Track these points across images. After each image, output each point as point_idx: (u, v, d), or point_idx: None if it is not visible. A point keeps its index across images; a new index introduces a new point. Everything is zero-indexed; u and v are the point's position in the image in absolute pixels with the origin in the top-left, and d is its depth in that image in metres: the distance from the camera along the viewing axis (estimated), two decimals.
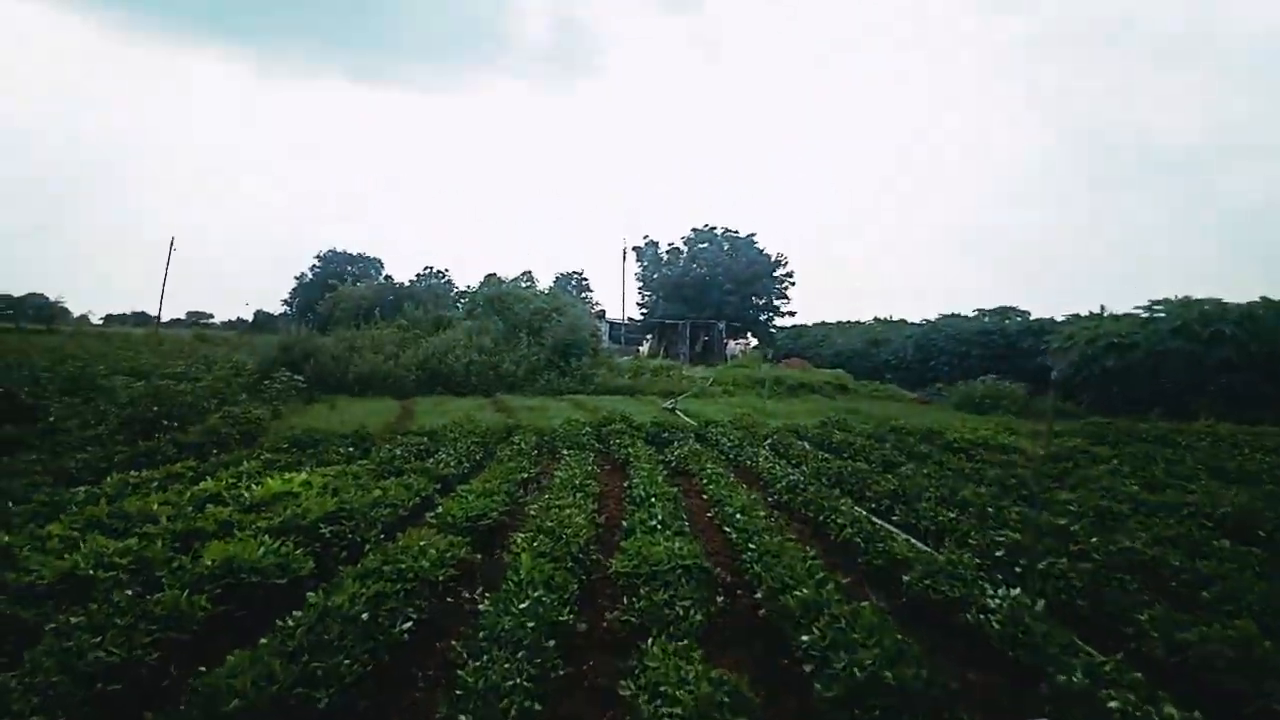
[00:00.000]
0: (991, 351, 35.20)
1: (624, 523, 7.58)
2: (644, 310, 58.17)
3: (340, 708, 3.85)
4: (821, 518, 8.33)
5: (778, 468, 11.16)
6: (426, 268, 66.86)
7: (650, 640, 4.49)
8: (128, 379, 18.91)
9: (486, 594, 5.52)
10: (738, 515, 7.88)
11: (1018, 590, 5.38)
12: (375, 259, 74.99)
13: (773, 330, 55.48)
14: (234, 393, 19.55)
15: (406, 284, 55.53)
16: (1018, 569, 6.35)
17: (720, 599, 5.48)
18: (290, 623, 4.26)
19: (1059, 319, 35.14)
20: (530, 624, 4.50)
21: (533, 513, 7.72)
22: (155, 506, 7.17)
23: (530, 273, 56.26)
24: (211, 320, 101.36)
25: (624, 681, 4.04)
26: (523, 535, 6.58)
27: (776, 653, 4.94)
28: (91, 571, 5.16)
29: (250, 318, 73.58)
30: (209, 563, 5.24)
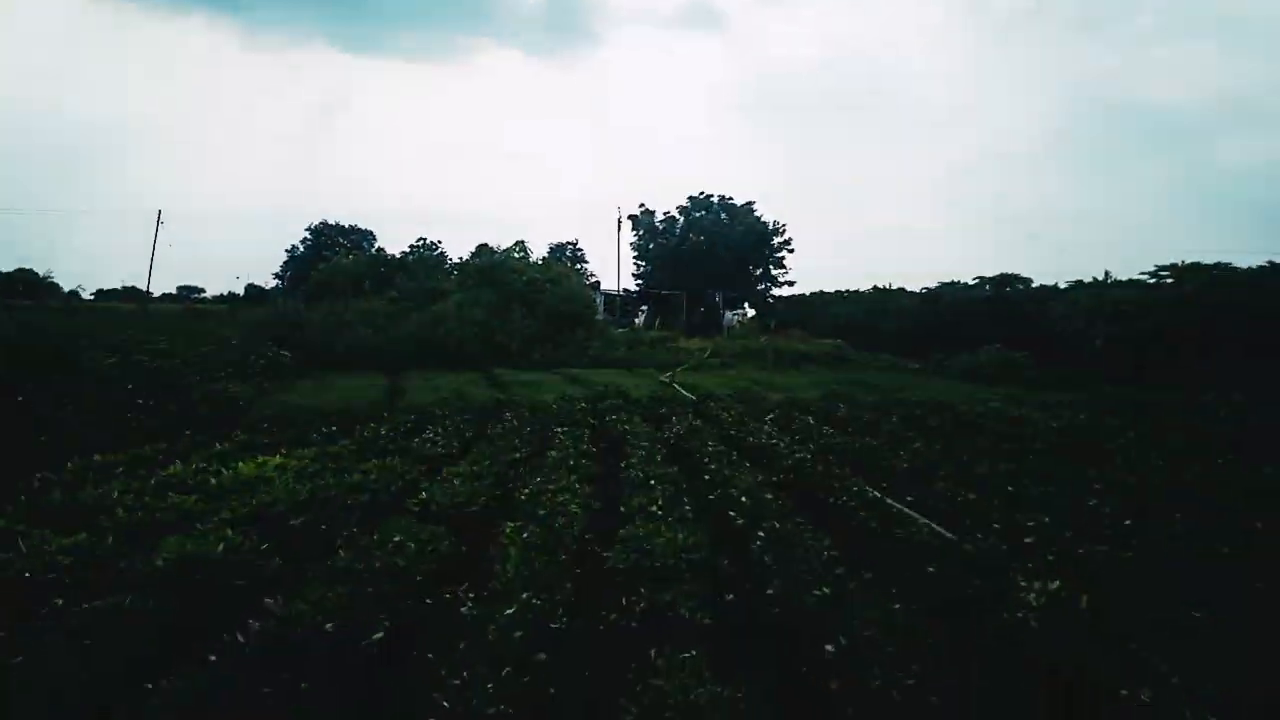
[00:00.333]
0: (994, 320, 34.66)
1: (622, 508, 7.05)
2: (640, 281, 57.34)
3: None
4: (832, 499, 7.80)
5: (781, 444, 10.64)
6: (420, 239, 65.63)
7: (653, 652, 3.98)
8: (107, 355, 18.31)
9: (471, 593, 5.01)
10: (742, 498, 7.35)
11: (1057, 584, 4.86)
12: (367, 230, 73.86)
13: (770, 300, 54.80)
14: (217, 369, 19.00)
15: (399, 256, 54.67)
16: (1050, 557, 5.84)
17: (729, 596, 4.96)
18: (241, 638, 3.72)
19: (1062, 286, 34.68)
20: (518, 633, 3.98)
21: (524, 498, 7.19)
22: (115, 494, 6.62)
23: (523, 242, 54.93)
24: (203, 294, 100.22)
25: (624, 703, 3.52)
26: (512, 524, 6.05)
27: (794, 660, 4.43)
28: (27, 574, 4.62)
29: (242, 291, 72.68)
30: (160, 563, 4.70)
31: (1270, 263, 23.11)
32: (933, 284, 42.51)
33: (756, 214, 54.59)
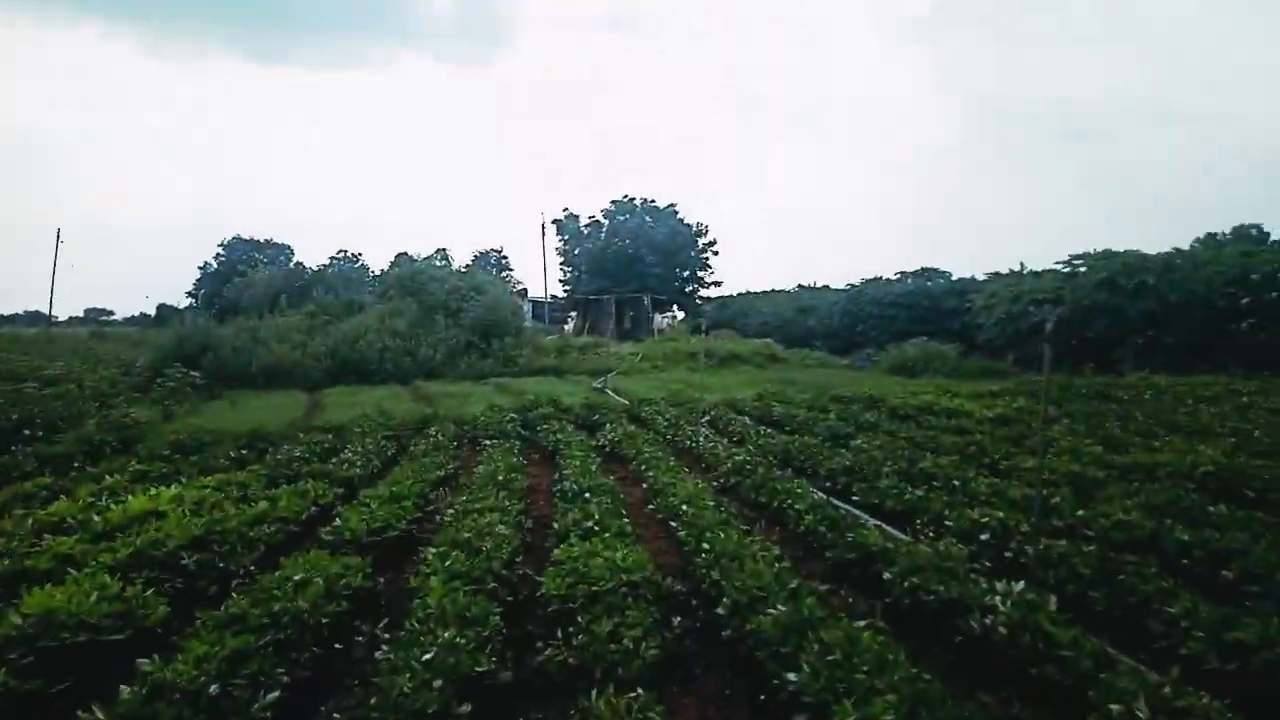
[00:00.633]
0: (917, 314, 35.22)
1: (555, 523, 6.56)
2: (567, 287, 56.66)
3: None
4: (776, 503, 7.46)
5: (720, 447, 10.29)
6: (339, 251, 63.81)
7: (594, 691, 3.52)
8: (2, 384, 16.92)
9: (388, 633, 4.47)
10: (683, 506, 6.95)
11: (1022, 584, 4.57)
12: (284, 245, 71.31)
13: (699, 301, 54.80)
14: (119, 394, 17.77)
15: (317, 269, 52.90)
16: (1007, 554, 5.59)
17: (676, 620, 4.52)
18: (100, 715, 3.11)
19: (980, 278, 35.36)
20: (437, 681, 3.47)
21: (448, 519, 6.63)
22: None
23: (445, 250, 53.99)
24: (112, 317, 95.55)
25: None
26: (435, 550, 5.51)
27: (752, 689, 4.02)
28: None
29: (153, 312, 69.37)
30: (18, 621, 4.03)
31: (1176, 248, 23.90)
32: (856, 281, 43.04)
33: (679, 216, 54.54)
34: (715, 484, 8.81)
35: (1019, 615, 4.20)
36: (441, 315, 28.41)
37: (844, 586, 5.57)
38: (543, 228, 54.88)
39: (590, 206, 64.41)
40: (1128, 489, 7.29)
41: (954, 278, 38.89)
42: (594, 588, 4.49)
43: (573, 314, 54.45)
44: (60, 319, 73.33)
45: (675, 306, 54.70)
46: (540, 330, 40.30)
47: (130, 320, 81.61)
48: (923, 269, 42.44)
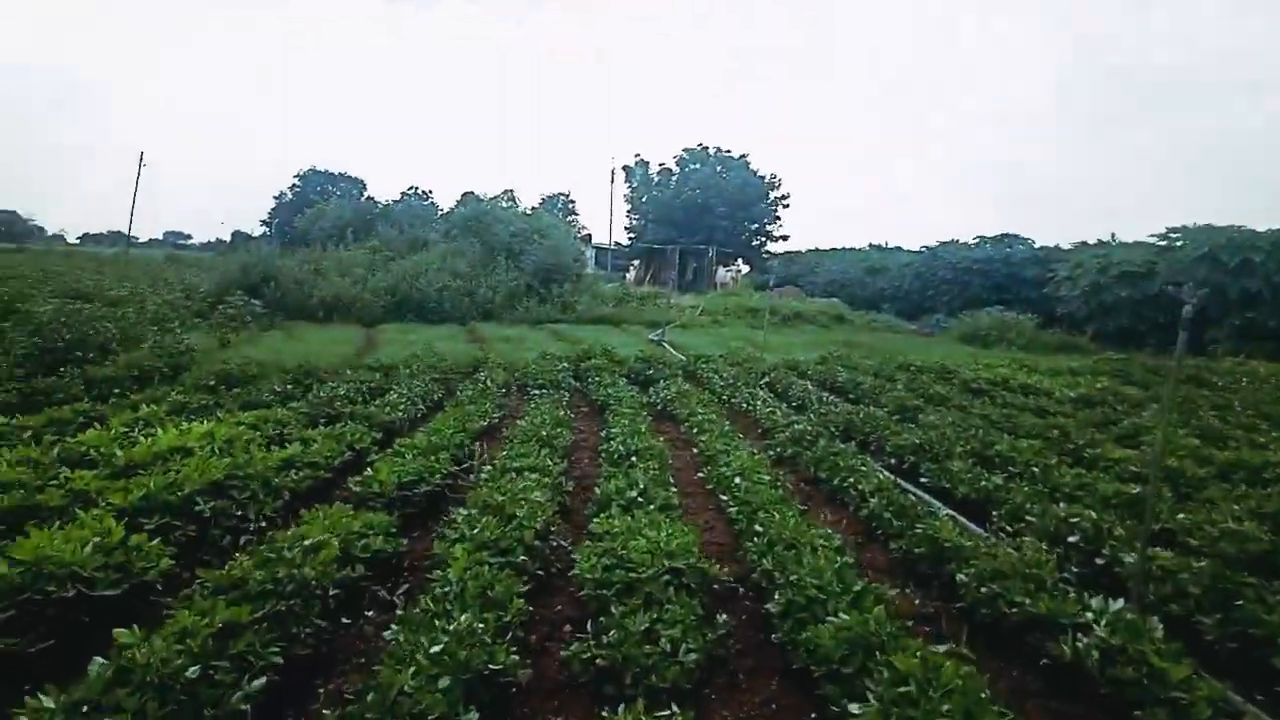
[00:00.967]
0: (994, 282, 33.58)
1: (597, 489, 6.10)
2: (632, 234, 55.84)
3: None
4: (837, 480, 6.87)
5: (778, 413, 9.70)
6: (411, 188, 63.88)
7: (621, 706, 3.05)
8: (64, 301, 17.12)
9: (400, 609, 4.07)
10: (736, 479, 6.42)
11: (1121, 602, 3.94)
12: (358, 179, 72.14)
13: (765, 256, 53.51)
14: (179, 319, 17.88)
15: (386, 204, 53.07)
16: (1098, 561, 4.93)
17: (721, 618, 4.01)
18: (49, 702, 2.73)
19: (1065, 247, 33.57)
20: (444, 680, 3.03)
21: (485, 475, 6.22)
22: (4, 468, 5.60)
23: (511, 191, 53.44)
24: (189, 241, 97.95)
25: None
26: (465, 513, 5.09)
27: (804, 707, 3.51)
28: None
29: (229, 238, 70.99)
30: (3, 569, 3.72)
31: None
32: (931, 243, 41.32)
33: (752, 167, 53.01)
34: (771, 454, 8.25)
35: (1119, 642, 3.60)
36: (503, 257, 28.12)
37: (911, 584, 5.00)
38: (611, 173, 54.12)
39: (662, 154, 63.09)
40: (1232, 492, 6.50)
41: (1036, 245, 37.00)
42: (632, 574, 4.00)
43: (635, 262, 53.74)
44: (141, 240, 75.67)
45: (740, 260, 53.51)
46: (601, 277, 39.81)
47: (206, 246, 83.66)
48: (1003, 235, 40.45)
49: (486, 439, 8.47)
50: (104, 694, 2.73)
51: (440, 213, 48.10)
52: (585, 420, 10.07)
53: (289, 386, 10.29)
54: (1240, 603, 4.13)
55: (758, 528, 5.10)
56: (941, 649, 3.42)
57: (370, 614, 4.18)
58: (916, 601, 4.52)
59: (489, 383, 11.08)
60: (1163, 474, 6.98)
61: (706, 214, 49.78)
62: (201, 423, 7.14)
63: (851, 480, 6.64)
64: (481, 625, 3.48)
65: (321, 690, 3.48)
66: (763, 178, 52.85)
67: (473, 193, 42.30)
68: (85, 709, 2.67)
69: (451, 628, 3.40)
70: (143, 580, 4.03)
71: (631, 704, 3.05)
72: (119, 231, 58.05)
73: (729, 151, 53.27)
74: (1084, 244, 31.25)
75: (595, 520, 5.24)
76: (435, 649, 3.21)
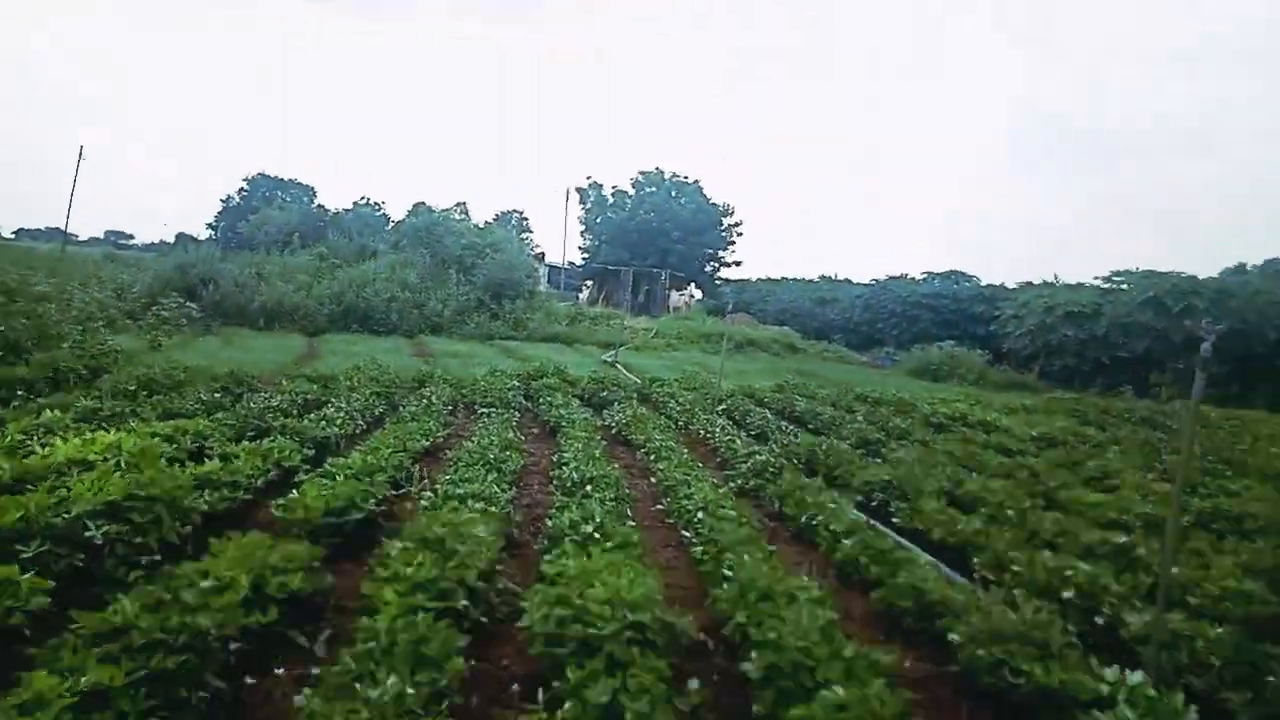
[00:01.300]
0: (942, 316, 33.97)
1: (550, 521, 5.56)
2: (585, 255, 55.43)
3: None
4: (804, 518, 6.44)
5: (738, 442, 9.25)
6: (362, 197, 62.48)
7: None
8: None
9: (315, 667, 3.49)
10: (700, 513, 5.95)
11: (1139, 675, 3.55)
12: (308, 185, 70.32)
13: (717, 282, 53.50)
14: (106, 319, 16.87)
15: (339, 212, 51.74)
16: (1097, 619, 4.55)
17: (694, 686, 3.50)
18: None
19: (1010, 286, 34.07)
20: None
21: (425, 503, 5.65)
22: None
23: (464, 204, 52.61)
24: (132, 241, 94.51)
25: None
26: (400, 546, 4.51)
27: None
28: None
29: (173, 240, 68.70)
30: None
31: (1235, 268, 22.66)
32: (880, 276, 41.68)
33: (706, 193, 53.11)
34: (733, 485, 7.81)
35: None
36: (454, 270, 27.40)
37: (895, 639, 4.56)
38: (566, 193, 53.69)
39: (616, 177, 62.86)
40: (1220, 543, 6.23)
41: (982, 283, 37.54)
42: (590, 629, 3.48)
43: (588, 282, 53.26)
44: (81, 238, 72.83)
45: (693, 285, 53.40)
46: (554, 296, 39.24)
47: (150, 246, 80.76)
48: (950, 271, 41.02)
49: (429, 460, 7.88)
50: None
51: (391, 223, 47.09)
52: (536, 442, 9.52)
53: (217, 395, 9.54)
54: (1270, 678, 3.77)
55: (727, 571, 4.62)
56: None
57: (282, 672, 3.58)
58: (907, 664, 4.06)
59: (434, 399, 10.45)
60: (1140, 520, 6.72)
61: (660, 237, 49.64)
62: (109, 432, 6.42)
63: (821, 519, 6.22)
64: (412, 691, 2.93)
65: None
66: (716, 205, 52.98)
67: (424, 203, 41.36)
68: None
69: (376, 694, 2.85)
70: (5, 625, 3.38)
71: None
72: (57, 228, 55.51)
73: (684, 177, 53.34)
74: (1029, 284, 31.74)
75: (547, 559, 4.70)
76: None
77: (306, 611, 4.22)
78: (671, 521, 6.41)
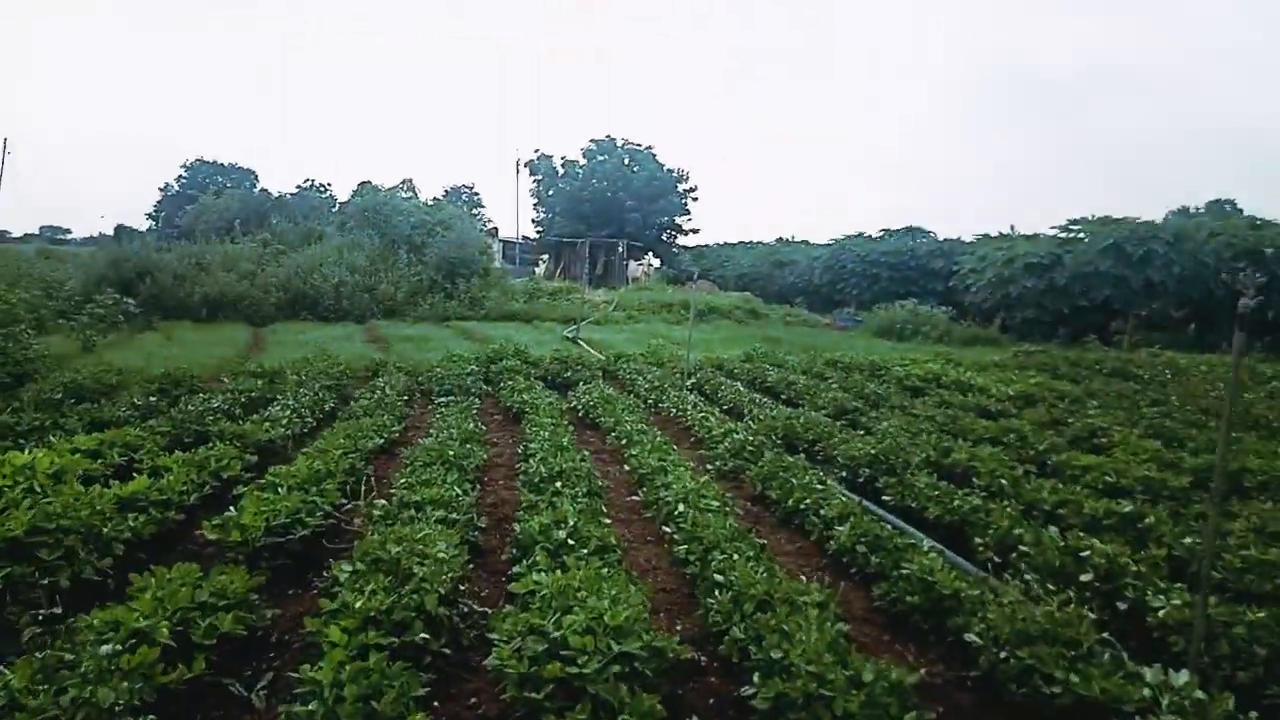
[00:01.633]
0: (902, 274, 33.72)
1: (518, 527, 5.07)
2: (540, 229, 54.39)
3: None
4: (791, 502, 6.03)
5: (712, 419, 8.82)
6: (306, 180, 60.52)
7: None
8: None
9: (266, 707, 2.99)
10: (680, 505, 5.51)
11: (1184, 676, 3.18)
12: (249, 170, 68.12)
13: (675, 250, 52.91)
14: (36, 321, 15.85)
15: (282, 196, 50.11)
16: (1120, 605, 4.20)
17: None
18: None
19: (967, 240, 33.99)
20: None
21: (378, 513, 5.12)
22: None
23: (410, 181, 51.33)
24: (69, 236, 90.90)
25: None
26: (349, 570, 3.99)
27: None
28: None
29: (112, 232, 66.22)
30: None
31: (1195, 209, 22.71)
32: (835, 236, 41.38)
33: (659, 160, 52.25)
34: (710, 467, 7.39)
35: None
36: (404, 250, 26.48)
37: (901, 639, 4.18)
38: (517, 165, 52.55)
39: (568, 148, 61.66)
40: (1225, 507, 5.94)
41: (940, 238, 37.41)
42: (570, 667, 3.01)
43: (545, 257, 52.37)
44: (13, 235, 69.81)
45: (650, 254, 52.73)
46: (510, 272, 38.40)
47: (88, 240, 77.69)
48: (908, 228, 40.85)
49: (384, 460, 7.34)
50: None
51: (338, 206, 45.73)
52: (499, 431, 9.01)
53: (152, 399, 8.86)
54: None
55: (717, 576, 4.17)
56: None
57: None
58: (923, 673, 3.66)
59: (388, 390, 9.85)
60: (1141, 483, 6.41)
61: (615, 207, 48.76)
62: (22, 451, 5.76)
63: (810, 503, 5.81)
64: None
65: None
66: (671, 171, 52.20)
67: (369, 182, 40.04)
68: None
69: None
70: None
71: None
72: None
73: (637, 144, 52.39)
74: (986, 236, 31.63)
75: (517, 572, 4.24)
76: None
77: (243, 652, 3.70)
78: (650, 516, 5.96)
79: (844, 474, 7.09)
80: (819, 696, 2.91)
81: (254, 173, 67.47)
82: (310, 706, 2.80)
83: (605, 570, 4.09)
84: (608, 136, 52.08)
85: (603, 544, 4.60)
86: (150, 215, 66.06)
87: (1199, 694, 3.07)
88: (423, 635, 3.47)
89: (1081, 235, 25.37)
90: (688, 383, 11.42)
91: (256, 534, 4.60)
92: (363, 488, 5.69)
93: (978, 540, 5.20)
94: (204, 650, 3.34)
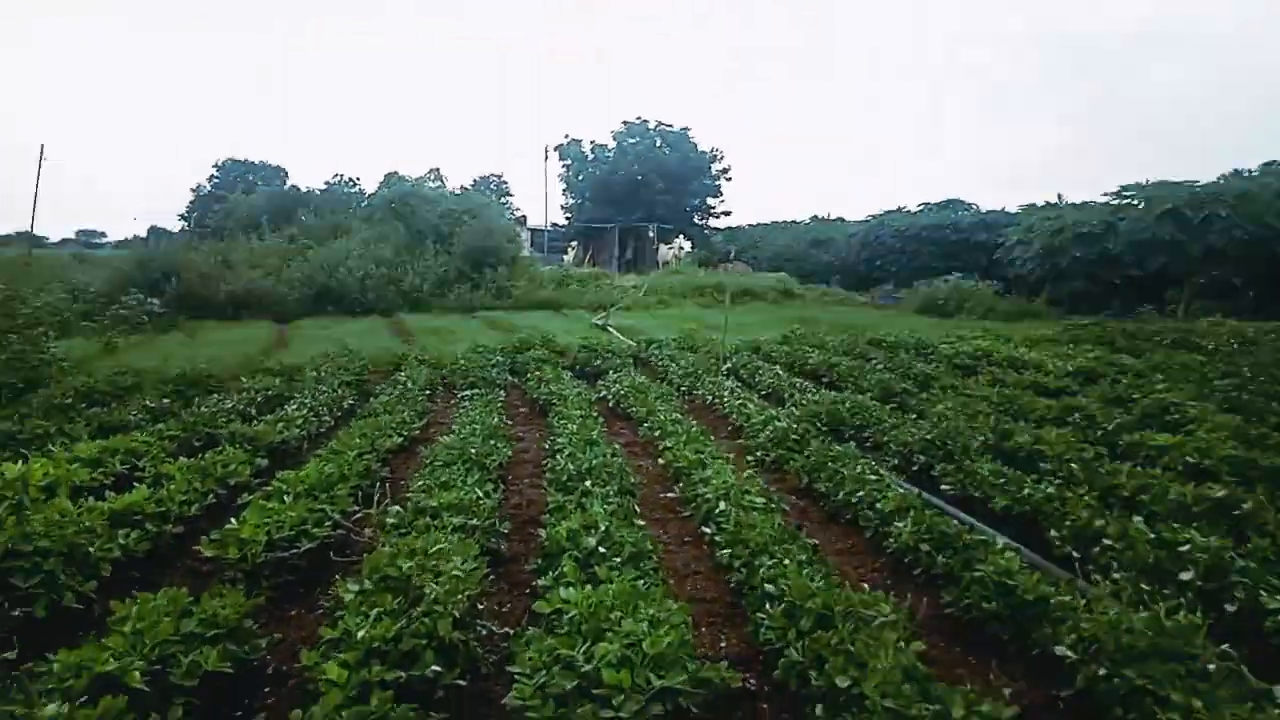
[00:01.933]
0: (943, 248, 32.74)
1: (544, 529, 4.61)
2: (568, 215, 53.86)
3: None
4: (841, 494, 5.50)
5: (750, 406, 8.30)
6: (336, 175, 60.50)
7: None
8: None
9: None
10: (720, 503, 5.00)
11: None
12: (279, 167, 68.33)
13: (707, 232, 52.10)
14: (60, 323, 15.73)
15: (312, 191, 50.12)
16: (1227, 607, 3.62)
17: None
18: None
19: (1011, 210, 32.90)
20: None
21: (391, 521, 4.67)
22: None
23: (438, 170, 50.79)
24: (104, 239, 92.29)
25: None
26: (354, 590, 3.55)
27: None
28: None
29: (145, 234, 66.87)
30: None
31: (1258, 171, 21.59)
32: (875, 213, 40.37)
33: (692, 140, 51.36)
34: (751, 459, 6.88)
35: None
36: (431, 241, 26.14)
37: (980, 653, 3.64)
38: (545, 151, 51.96)
39: (597, 133, 60.92)
40: None
41: (982, 210, 36.27)
42: (605, 710, 2.53)
43: (573, 243, 51.84)
44: (51, 240, 70.94)
45: (681, 236, 51.99)
46: (538, 260, 37.98)
47: (122, 244, 78.70)
48: (948, 200, 39.71)
49: (403, 458, 6.92)
50: None
51: (365, 199, 45.64)
52: (525, 424, 8.57)
53: (166, 401, 8.52)
54: None
55: (768, 586, 3.67)
56: None
57: None
58: (1008, 693, 3.12)
59: (410, 384, 9.45)
60: (1229, 467, 5.78)
61: (645, 190, 48.03)
62: (17, 462, 5.40)
63: (862, 494, 5.28)
64: None
65: None
66: (704, 152, 51.30)
67: (396, 173, 39.78)
68: None
69: None
70: None
71: None
72: (27, 231, 53.67)
73: (669, 125, 51.51)
74: (1032, 206, 30.56)
75: (543, 585, 3.78)
76: None
77: (233, 691, 3.27)
78: (687, 515, 5.46)
79: (896, 462, 6.53)
80: None
81: (284, 170, 67.68)
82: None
83: (641, 582, 3.62)
84: (638, 118, 51.25)
85: (637, 550, 4.12)
86: (182, 216, 66.63)
87: None
88: (434, 669, 3.00)
89: (1135, 201, 24.30)
90: (724, 368, 10.89)
91: (257, 549, 4.18)
92: (375, 495, 5.23)
93: (1053, 533, 4.64)
94: (184, 694, 2.92)
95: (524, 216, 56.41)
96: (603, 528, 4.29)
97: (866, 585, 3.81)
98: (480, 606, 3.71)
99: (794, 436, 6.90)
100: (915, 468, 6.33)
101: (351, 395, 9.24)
